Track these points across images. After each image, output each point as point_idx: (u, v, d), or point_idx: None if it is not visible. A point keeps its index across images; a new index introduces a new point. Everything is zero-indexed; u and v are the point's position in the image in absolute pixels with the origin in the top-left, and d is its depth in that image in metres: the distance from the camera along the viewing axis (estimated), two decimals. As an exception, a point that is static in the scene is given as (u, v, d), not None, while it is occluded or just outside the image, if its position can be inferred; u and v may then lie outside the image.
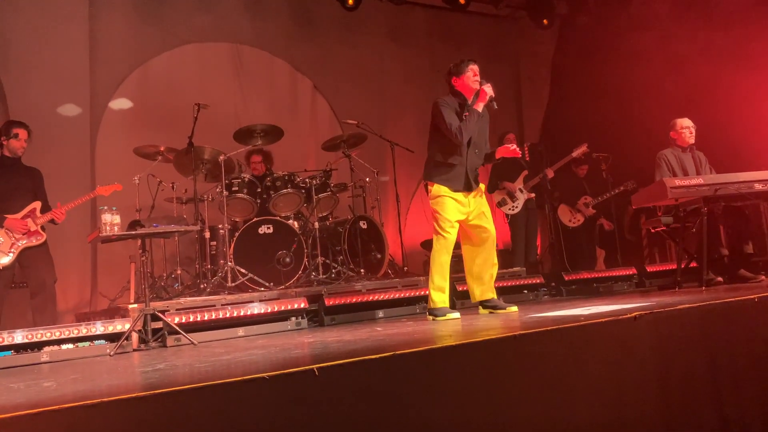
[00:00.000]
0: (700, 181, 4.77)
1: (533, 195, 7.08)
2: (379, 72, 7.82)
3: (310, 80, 7.82)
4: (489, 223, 4.36)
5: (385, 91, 7.74)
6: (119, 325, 4.15)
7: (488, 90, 4.27)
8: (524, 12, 8.59)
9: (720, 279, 4.88)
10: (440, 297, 4.27)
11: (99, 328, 4.09)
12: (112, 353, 3.93)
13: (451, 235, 4.24)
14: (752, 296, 3.23)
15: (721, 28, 6.83)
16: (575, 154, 6.97)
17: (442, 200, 4.27)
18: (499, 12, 8.60)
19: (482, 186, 4.45)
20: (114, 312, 4.91)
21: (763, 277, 4.95)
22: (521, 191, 7.01)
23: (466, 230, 4.41)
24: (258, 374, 1.99)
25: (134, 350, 4.13)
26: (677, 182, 4.78)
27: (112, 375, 2.80)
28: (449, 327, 3.54)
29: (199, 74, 6.93)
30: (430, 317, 4.25)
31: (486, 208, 4.41)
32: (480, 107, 4.26)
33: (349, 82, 7.79)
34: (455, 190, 4.28)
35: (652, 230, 5.63)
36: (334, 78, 7.83)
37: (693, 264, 5.29)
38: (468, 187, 4.30)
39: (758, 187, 4.72)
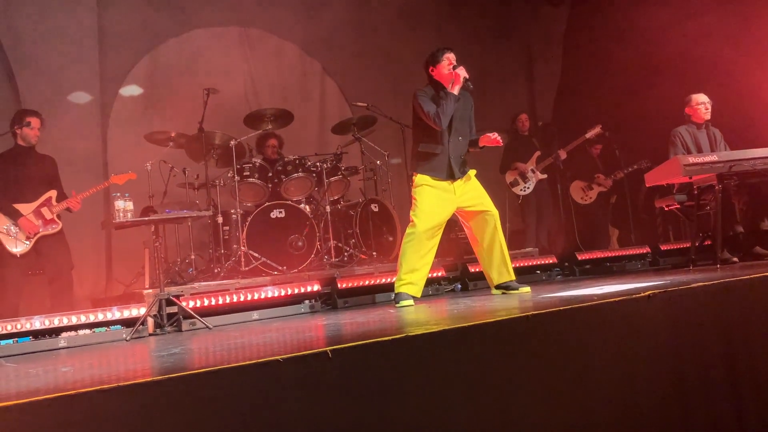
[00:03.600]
0: (714, 158, 4.72)
1: (545, 176, 7.04)
2: (389, 53, 7.76)
3: (319, 63, 7.78)
4: (489, 205, 4.31)
5: (394, 73, 7.68)
6: (135, 311, 4.19)
7: (461, 72, 4.22)
8: (534, -11, 8.48)
9: (735, 259, 4.84)
10: (400, 283, 4.23)
11: (115, 313, 4.13)
12: (128, 338, 3.97)
13: (422, 225, 4.17)
14: (767, 273, 3.20)
15: (739, 4, 6.71)
16: (589, 135, 6.92)
17: (421, 189, 4.25)
18: (510, -11, 8.49)
19: (472, 172, 4.38)
20: (129, 297, 4.95)
21: (779, 253, 4.91)
22: (533, 172, 6.97)
23: (466, 217, 4.36)
24: (272, 357, 2.01)
25: (150, 335, 4.18)
26: (691, 159, 4.74)
27: (128, 360, 2.84)
28: (462, 308, 3.54)
29: (208, 59, 6.91)
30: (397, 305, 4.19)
31: (481, 191, 4.35)
32: (456, 90, 4.22)
33: (358, 65, 7.75)
34: (439, 179, 4.23)
35: (666, 208, 5.60)
36: (344, 60, 7.78)
37: (707, 242, 5.26)
38: (451, 175, 4.24)
39: (773, 163, 4.66)
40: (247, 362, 1.98)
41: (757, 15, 6.37)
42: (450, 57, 4.31)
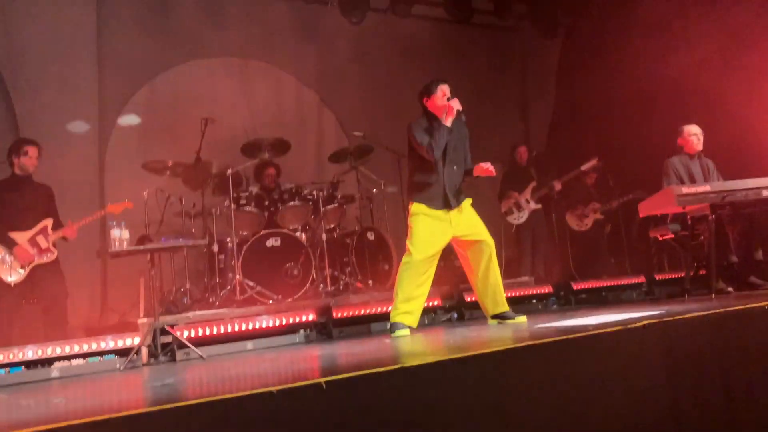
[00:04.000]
0: (707, 188, 4.75)
1: (539, 206, 7.10)
2: (385, 84, 7.85)
3: (317, 93, 7.86)
4: (485, 235, 4.32)
5: (391, 103, 7.74)
6: (129, 340, 4.17)
7: (455, 105, 4.27)
8: (528, 22, 8.61)
9: (730, 289, 4.84)
10: (396, 313, 4.22)
11: (109, 343, 4.11)
12: (122, 368, 3.95)
13: (418, 254, 4.18)
14: (762, 304, 3.20)
15: (731, 34, 6.81)
16: (584, 168, 7.01)
17: (417, 218, 4.26)
18: (503, 23, 8.61)
19: (468, 201, 4.40)
20: (124, 327, 4.93)
21: (774, 283, 4.92)
22: (527, 202, 7.04)
23: (461, 247, 4.37)
24: (265, 388, 2.00)
25: (144, 365, 4.15)
26: (684, 190, 4.77)
27: (122, 390, 2.82)
28: (458, 338, 3.53)
29: (207, 89, 6.98)
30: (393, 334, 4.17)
31: (477, 220, 4.38)
32: (449, 122, 4.26)
33: (355, 95, 7.83)
34: (434, 208, 4.25)
35: (660, 238, 5.61)
36: (341, 91, 7.87)
37: (702, 272, 5.26)
38: (447, 205, 4.26)
39: (766, 193, 4.69)
40: (240, 393, 1.96)
41: (750, 46, 6.47)
42: (444, 89, 4.37)
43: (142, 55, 6.68)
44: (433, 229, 4.24)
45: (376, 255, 6.07)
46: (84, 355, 4.03)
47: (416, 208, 4.29)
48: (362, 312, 5.05)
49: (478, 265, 4.32)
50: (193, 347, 4.19)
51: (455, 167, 4.37)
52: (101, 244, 5.78)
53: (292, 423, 1.95)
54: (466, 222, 4.33)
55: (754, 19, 6.61)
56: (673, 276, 6.46)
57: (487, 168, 4.30)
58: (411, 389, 2.20)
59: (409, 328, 4.19)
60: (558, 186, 7.04)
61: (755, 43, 6.37)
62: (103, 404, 2.29)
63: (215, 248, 5.65)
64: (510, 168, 7.31)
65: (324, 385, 2.04)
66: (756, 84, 6.38)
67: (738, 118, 6.28)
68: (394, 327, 4.17)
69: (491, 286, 4.31)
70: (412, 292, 4.22)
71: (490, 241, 4.33)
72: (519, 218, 7.06)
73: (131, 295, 5.76)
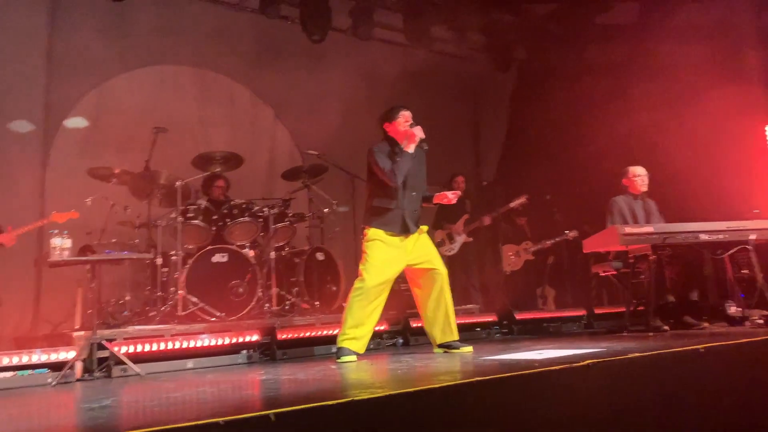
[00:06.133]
0: (650, 229, 4.93)
1: (471, 239, 7.26)
2: (342, 104, 7.84)
3: (272, 108, 7.80)
4: (438, 264, 4.35)
5: (347, 124, 7.75)
6: (63, 353, 3.99)
7: (417, 132, 4.31)
8: (484, 54, 8.79)
9: (666, 327, 5.01)
10: (343, 338, 4.17)
11: (41, 356, 3.92)
12: (54, 383, 3.77)
13: (371, 280, 4.15)
14: (698, 347, 3.33)
15: (674, 78, 7.13)
16: (513, 205, 7.18)
17: (373, 244, 4.25)
18: (460, 53, 8.77)
19: (424, 228, 4.44)
20: (57, 339, 4.73)
21: (706, 324, 5.12)
22: (459, 234, 7.20)
23: (415, 275, 4.38)
24: (212, 419, 1.94)
25: (78, 380, 3.98)
26: (628, 230, 4.93)
27: (55, 411, 2.69)
28: (405, 368, 3.53)
29: (159, 97, 6.83)
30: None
31: (432, 249, 4.41)
32: (411, 149, 4.29)
33: (311, 113, 7.79)
34: (392, 234, 4.26)
35: (602, 273, 5.78)
36: (296, 108, 7.83)
37: (640, 308, 5.43)
38: (405, 231, 4.28)
39: (703, 237, 4.91)
40: (186, 424, 1.90)
41: (694, 92, 6.75)
42: (406, 115, 4.40)
43: (93, 58, 6.48)
44: (389, 256, 4.23)
45: (325, 276, 6.03)
46: (14, 368, 3.83)
47: (373, 233, 4.27)
48: (307, 334, 5.00)
49: (429, 293, 4.33)
50: (131, 364, 4.04)
51: (414, 193, 4.39)
52: (38, 251, 5.55)
53: (239, 456, 1.90)
54: (420, 249, 4.34)
55: (698, 66, 6.93)
56: (612, 311, 6.66)
57: (451, 196, 4.36)
58: (360, 423, 2.18)
59: (356, 354, 4.16)
60: (487, 221, 7.22)
61: (699, 89, 6.66)
62: (32, 429, 2.17)
63: (159, 261, 5.49)
64: None
65: (273, 418, 2.00)
66: (698, 129, 6.67)
67: (679, 161, 6.54)
68: (341, 352, 4.13)
69: (442, 315, 4.32)
70: (362, 319, 4.19)
71: (443, 271, 4.35)
72: (451, 250, 7.23)
73: (66, 306, 5.56)
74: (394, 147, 4.36)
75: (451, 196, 4.37)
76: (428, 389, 2.43)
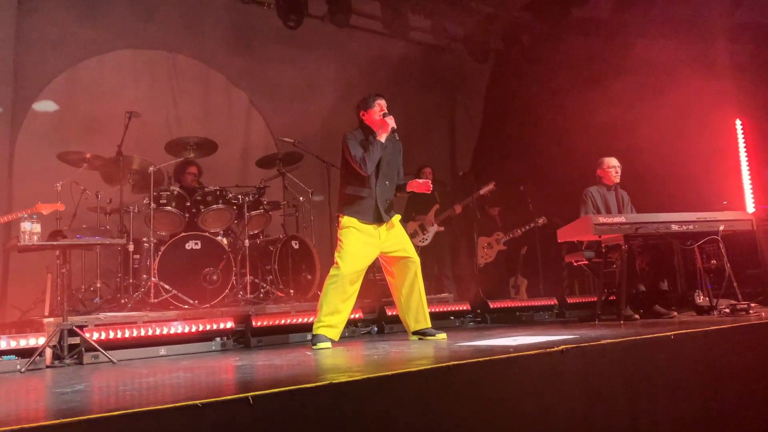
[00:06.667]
0: (622, 219, 5.00)
1: (442, 228, 7.30)
2: (318, 92, 7.81)
3: (246, 95, 7.72)
4: (411, 252, 4.39)
5: (323, 112, 7.72)
6: (33, 340, 3.91)
7: (390, 122, 4.33)
8: (461, 45, 8.81)
9: (637, 316, 5.10)
10: (319, 325, 4.18)
11: (10, 342, 3.84)
12: (23, 370, 3.70)
13: (347, 267, 4.17)
14: (668, 333, 3.40)
15: (648, 71, 7.23)
16: (482, 191, 7.21)
17: (347, 231, 4.26)
18: (438, 42, 8.78)
19: (398, 216, 4.46)
20: (25, 325, 4.64)
21: (675, 313, 5.22)
22: (432, 224, 7.23)
23: (388, 263, 4.41)
24: (190, 401, 1.92)
25: (47, 367, 3.91)
26: (601, 219, 4.99)
27: (28, 396, 2.64)
28: (381, 354, 3.54)
29: (132, 81, 6.72)
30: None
31: (405, 237, 4.44)
32: (383, 138, 4.31)
33: (286, 100, 7.74)
34: (365, 222, 4.27)
35: (575, 263, 5.85)
36: (271, 94, 7.76)
37: (612, 297, 5.52)
38: (378, 219, 4.30)
39: (675, 228, 4.99)
40: (165, 406, 1.89)
41: (667, 84, 6.86)
42: (381, 104, 4.40)
43: (65, 39, 6.35)
44: (363, 245, 4.24)
45: (300, 264, 6.00)
46: (-19, 355, 3.75)
47: (347, 221, 4.28)
48: (282, 322, 4.97)
49: (402, 281, 4.37)
50: (102, 351, 3.99)
51: (387, 182, 4.40)
52: (6, 236, 5.43)
53: (216, 438, 1.89)
54: (394, 238, 4.36)
55: (672, 59, 7.04)
56: (583, 300, 6.75)
57: (424, 183, 4.37)
58: (337, 406, 2.18)
59: (331, 341, 4.16)
60: (458, 209, 7.25)
61: (672, 83, 6.76)
62: (8, 413, 2.13)
63: (131, 247, 5.40)
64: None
65: (251, 400, 1.99)
66: (671, 122, 6.78)
67: (652, 153, 6.65)
68: (316, 339, 4.13)
69: (415, 303, 4.36)
70: (337, 306, 4.20)
71: (416, 259, 4.38)
72: (424, 240, 7.26)
73: (35, 292, 5.45)
74: (368, 135, 4.35)
75: (421, 182, 4.38)
76: (405, 373, 2.44)
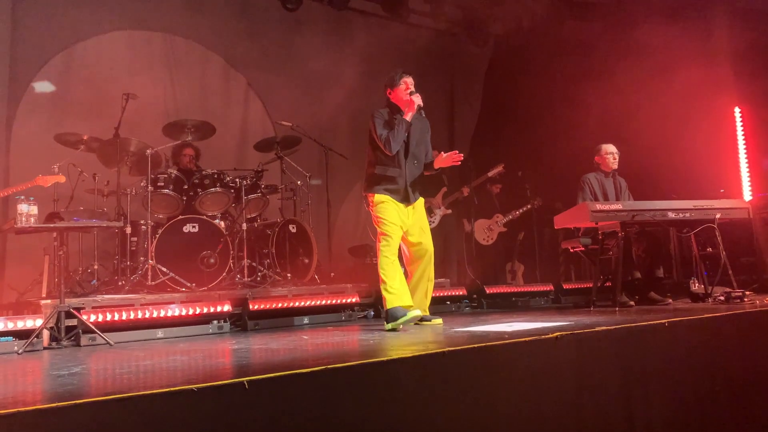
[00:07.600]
0: (619, 206, 5.00)
1: (450, 211, 7.29)
2: (316, 75, 7.76)
3: (245, 77, 7.68)
4: (427, 239, 4.41)
5: (321, 95, 7.68)
6: (30, 321, 3.92)
7: (416, 100, 4.30)
8: (461, 29, 8.76)
9: (632, 302, 5.12)
10: (393, 298, 4.08)
11: (7, 324, 3.86)
12: (20, 351, 3.72)
13: (397, 236, 4.21)
14: (663, 321, 3.42)
15: (648, 57, 7.20)
16: (491, 174, 7.22)
17: (384, 205, 4.25)
18: (438, 26, 8.73)
19: (421, 201, 4.47)
20: (23, 306, 4.66)
21: (671, 300, 5.25)
22: (439, 207, 7.23)
23: (405, 244, 4.42)
24: (186, 385, 1.94)
25: (45, 348, 3.92)
26: (598, 206, 5.00)
27: (26, 379, 2.66)
28: (377, 339, 3.55)
29: (130, 63, 6.67)
30: (388, 325, 4.05)
31: (425, 224, 4.45)
32: (409, 117, 4.28)
33: (284, 83, 7.70)
34: (396, 201, 4.30)
35: (572, 250, 5.86)
36: (270, 77, 7.71)
37: (607, 284, 5.54)
38: (406, 199, 4.32)
39: (671, 215, 5.00)
40: (160, 390, 1.90)
41: (665, 72, 6.84)
42: (408, 81, 4.38)
43: (62, 19, 6.29)
44: (399, 216, 4.27)
45: (297, 248, 6.01)
46: (-22, 336, 3.76)
47: (380, 197, 4.27)
48: (279, 305, 4.99)
49: (414, 267, 4.43)
50: (99, 333, 4.00)
51: (415, 162, 4.40)
52: (1, 217, 5.42)
53: (212, 422, 1.90)
54: (417, 223, 4.40)
55: (672, 46, 7.01)
56: (579, 286, 6.77)
57: (448, 156, 4.30)
58: (332, 392, 2.20)
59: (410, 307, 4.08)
60: (466, 191, 7.25)
61: (672, 69, 6.74)
62: (6, 395, 2.14)
63: (128, 230, 5.41)
64: None
65: (246, 385, 2.01)
66: (670, 109, 6.76)
67: (651, 140, 6.64)
68: (395, 312, 4.01)
69: (421, 291, 4.41)
70: (399, 272, 4.19)
71: (430, 248, 4.43)
72: (431, 223, 7.24)
73: (32, 274, 5.46)
74: (395, 113, 4.33)
75: (445, 156, 4.31)
76: (401, 358, 2.46)
